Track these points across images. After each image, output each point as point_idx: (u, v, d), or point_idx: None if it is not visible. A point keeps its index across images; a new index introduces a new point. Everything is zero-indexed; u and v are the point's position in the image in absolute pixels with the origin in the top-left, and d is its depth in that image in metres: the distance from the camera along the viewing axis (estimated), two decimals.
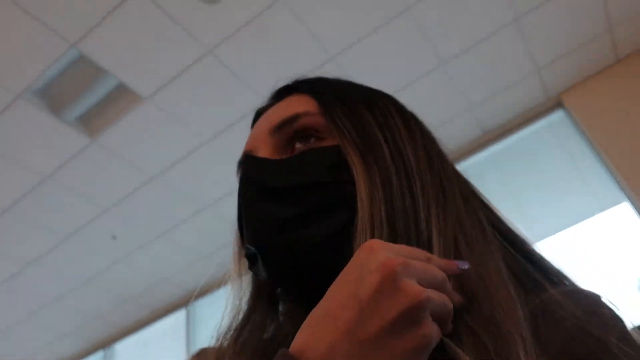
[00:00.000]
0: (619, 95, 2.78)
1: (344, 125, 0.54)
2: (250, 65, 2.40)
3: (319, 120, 0.56)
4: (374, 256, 0.38)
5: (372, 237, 0.47)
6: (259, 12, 2.19)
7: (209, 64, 2.36)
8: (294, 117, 0.56)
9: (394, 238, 0.47)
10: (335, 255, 0.48)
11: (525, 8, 2.40)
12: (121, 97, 2.47)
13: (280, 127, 0.57)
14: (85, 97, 2.46)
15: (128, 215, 3.14)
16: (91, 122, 2.59)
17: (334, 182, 0.51)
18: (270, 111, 0.61)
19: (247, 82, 2.47)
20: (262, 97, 0.64)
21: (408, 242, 0.47)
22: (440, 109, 2.89)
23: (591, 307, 0.47)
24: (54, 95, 2.43)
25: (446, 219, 0.50)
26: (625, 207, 2.65)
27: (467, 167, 3.11)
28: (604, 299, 0.49)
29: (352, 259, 0.40)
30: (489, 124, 3.06)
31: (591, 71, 2.86)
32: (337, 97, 0.58)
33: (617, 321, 0.46)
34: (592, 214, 2.85)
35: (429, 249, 0.47)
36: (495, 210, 0.60)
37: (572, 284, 0.54)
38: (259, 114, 0.65)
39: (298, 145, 0.56)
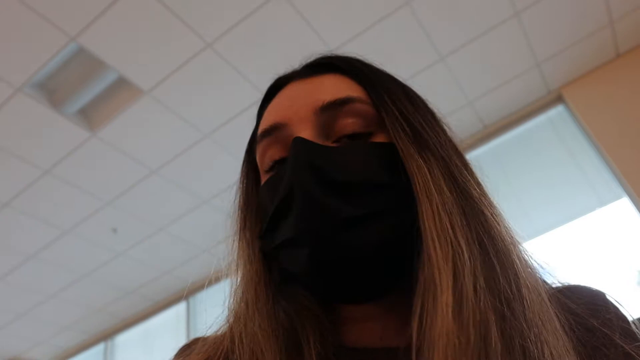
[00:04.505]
0: (619, 90, 2.78)
1: (398, 121, 0.50)
2: (250, 59, 2.40)
3: (369, 110, 0.52)
4: None
5: (440, 237, 0.43)
6: (258, 5, 2.19)
7: (209, 58, 2.36)
8: (346, 100, 0.51)
9: (463, 232, 0.44)
10: (387, 260, 0.46)
11: (526, 2, 2.40)
12: (121, 90, 2.47)
13: (329, 108, 0.51)
14: (85, 90, 2.46)
15: (128, 209, 3.15)
16: (91, 116, 2.59)
17: (396, 184, 0.48)
18: (308, 85, 0.55)
19: (246, 76, 2.47)
20: (261, 91, 0.63)
21: (474, 235, 0.44)
22: (440, 103, 2.86)
23: (594, 304, 0.48)
24: (54, 89, 2.43)
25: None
26: (624, 203, 2.65)
27: None
28: (608, 296, 0.49)
29: None
30: (489, 119, 3.06)
31: (592, 66, 2.85)
32: (382, 87, 0.54)
33: (621, 319, 0.47)
34: (592, 210, 2.85)
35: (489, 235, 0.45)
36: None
37: (569, 283, 0.54)
38: (283, 81, 0.59)
39: (345, 132, 0.51)
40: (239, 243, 0.56)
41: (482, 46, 2.58)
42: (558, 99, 2.99)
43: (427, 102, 0.60)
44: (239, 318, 0.50)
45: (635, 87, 2.75)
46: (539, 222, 2.92)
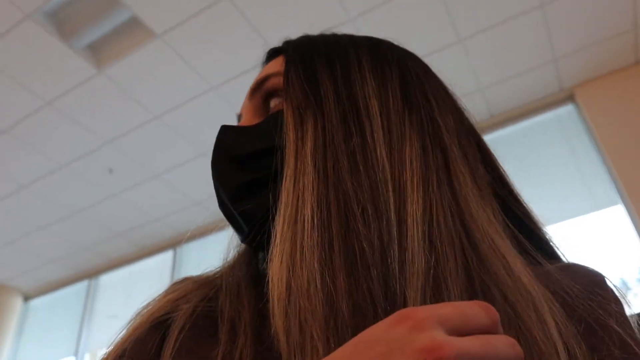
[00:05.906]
0: (632, 97, 2.75)
1: (292, 86, 0.51)
2: (267, 16, 2.36)
3: (281, 82, 0.54)
4: (416, 335, 0.27)
5: (296, 214, 0.43)
6: None
7: (226, 9, 2.31)
8: (265, 79, 0.56)
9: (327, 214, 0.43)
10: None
11: None
12: (133, 30, 2.43)
13: (254, 90, 0.57)
14: (96, 26, 2.41)
15: (127, 151, 3.14)
16: (100, 53, 2.55)
17: (280, 149, 0.48)
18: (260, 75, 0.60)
19: (261, 33, 2.42)
20: None
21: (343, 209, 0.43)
22: (450, 86, 2.86)
23: (592, 286, 0.47)
24: (64, 20, 2.39)
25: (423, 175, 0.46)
26: (619, 210, 2.66)
27: None
28: (607, 280, 0.49)
29: (382, 325, 0.29)
30: (497, 108, 3.04)
31: (608, 68, 2.82)
32: (301, 56, 0.55)
33: (617, 304, 0.46)
34: (585, 212, 2.86)
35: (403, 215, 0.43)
36: (501, 169, 0.59)
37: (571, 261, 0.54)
38: None
39: (270, 108, 0.56)
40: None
41: (503, 34, 2.54)
42: (569, 97, 2.96)
43: (361, 53, 0.55)
44: (228, 265, 0.57)
45: None
46: None
